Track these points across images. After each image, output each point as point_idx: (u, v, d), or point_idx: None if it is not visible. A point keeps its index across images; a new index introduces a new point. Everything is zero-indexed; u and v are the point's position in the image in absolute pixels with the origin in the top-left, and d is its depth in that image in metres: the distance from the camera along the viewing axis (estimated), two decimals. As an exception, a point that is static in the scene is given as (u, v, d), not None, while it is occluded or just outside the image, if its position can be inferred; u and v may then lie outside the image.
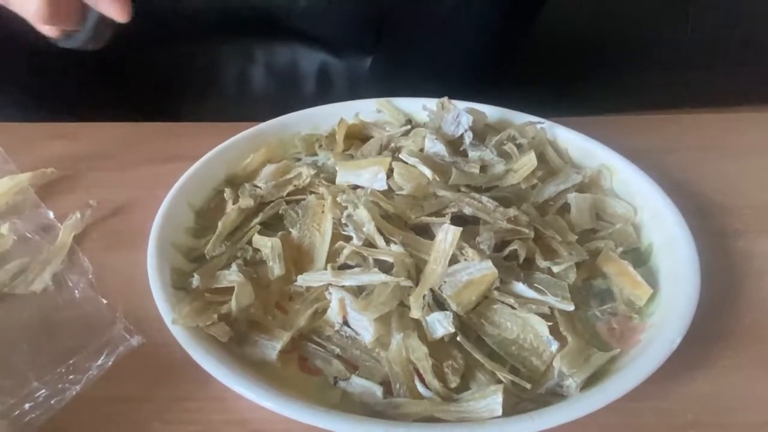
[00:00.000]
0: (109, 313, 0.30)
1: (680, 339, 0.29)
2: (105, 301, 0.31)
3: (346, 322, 0.31)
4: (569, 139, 0.44)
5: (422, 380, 0.28)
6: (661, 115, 0.52)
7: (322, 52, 0.68)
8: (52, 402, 0.25)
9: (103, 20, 0.33)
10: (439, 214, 0.35)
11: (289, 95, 0.68)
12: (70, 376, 0.26)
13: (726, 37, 0.69)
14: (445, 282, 0.31)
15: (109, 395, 0.29)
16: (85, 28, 0.34)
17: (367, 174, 0.38)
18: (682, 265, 0.34)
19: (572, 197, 0.39)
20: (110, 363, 0.27)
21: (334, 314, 0.31)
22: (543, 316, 0.31)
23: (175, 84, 0.66)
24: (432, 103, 0.46)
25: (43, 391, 0.25)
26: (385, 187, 0.37)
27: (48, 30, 0.33)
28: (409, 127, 0.44)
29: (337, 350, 0.31)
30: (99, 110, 0.53)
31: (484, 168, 0.40)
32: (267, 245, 0.35)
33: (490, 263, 0.31)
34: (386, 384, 0.29)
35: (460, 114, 0.43)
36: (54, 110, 0.55)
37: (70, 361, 0.26)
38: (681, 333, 0.30)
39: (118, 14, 0.31)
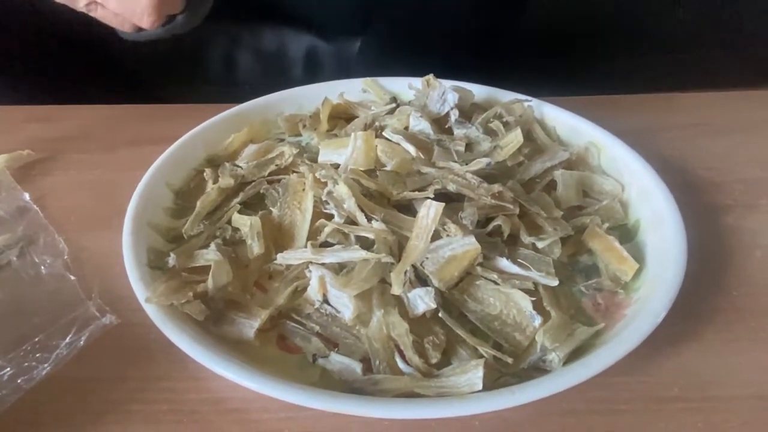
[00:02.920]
0: (80, 291, 0.29)
1: (665, 313, 0.29)
2: (73, 277, 0.30)
3: (326, 300, 0.31)
4: (557, 118, 0.44)
5: (403, 356, 0.28)
6: (649, 95, 0.51)
7: (310, 35, 0.66)
8: (19, 381, 0.25)
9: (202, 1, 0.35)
10: (422, 190, 0.34)
11: (276, 79, 0.66)
12: (37, 354, 0.25)
13: (715, 20, 0.68)
14: (427, 258, 0.31)
15: (82, 376, 0.29)
16: (187, 14, 0.35)
17: (349, 150, 0.37)
18: (669, 241, 0.33)
19: (559, 174, 0.38)
20: (81, 342, 0.27)
21: (314, 292, 0.31)
22: (527, 291, 0.30)
23: (160, 68, 0.65)
24: (418, 82, 0.45)
25: (8, 369, 0.25)
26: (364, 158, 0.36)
27: (152, 21, 0.33)
28: (393, 105, 0.43)
29: (317, 328, 0.30)
30: (81, 94, 0.52)
31: (469, 146, 0.39)
32: (246, 224, 0.34)
33: (473, 238, 0.31)
34: (366, 361, 0.28)
35: (446, 91, 0.42)
36: (35, 94, 0.54)
37: (36, 339, 0.26)
38: (666, 307, 0.29)
39: None
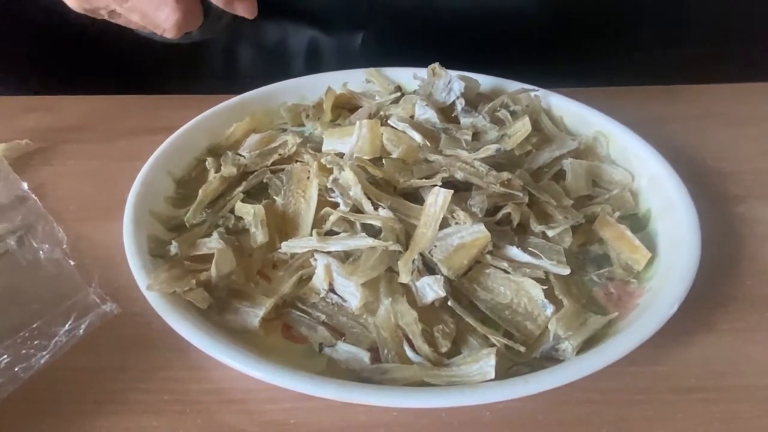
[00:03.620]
0: (79, 278, 0.29)
1: (679, 303, 0.28)
2: (72, 263, 0.29)
3: (332, 289, 0.30)
4: (564, 107, 0.43)
5: (411, 345, 0.27)
6: (658, 87, 0.50)
7: (312, 28, 0.66)
8: (17, 369, 0.24)
9: (220, 17, 0.36)
10: (429, 178, 0.33)
11: (277, 72, 0.65)
12: (36, 342, 0.25)
13: (724, 13, 0.67)
14: (435, 246, 0.30)
15: (83, 366, 0.28)
16: (204, 26, 0.36)
17: (354, 138, 0.36)
18: (681, 230, 0.32)
19: (568, 163, 0.37)
20: (81, 331, 0.26)
21: (319, 281, 0.30)
22: (538, 280, 0.29)
23: (161, 60, 0.64)
24: (423, 72, 0.44)
25: (5, 357, 0.24)
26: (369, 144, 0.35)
27: (173, 36, 0.35)
28: (398, 94, 0.43)
29: (323, 317, 0.29)
30: (81, 85, 0.52)
31: (476, 135, 0.39)
32: (249, 212, 0.33)
33: (482, 226, 0.30)
34: (373, 350, 0.27)
35: (451, 80, 0.41)
36: (33, 84, 0.53)
37: (34, 325, 0.25)
38: (680, 297, 0.28)
39: (248, 12, 0.34)
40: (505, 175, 0.33)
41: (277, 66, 0.66)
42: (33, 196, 0.37)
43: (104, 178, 0.40)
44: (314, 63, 0.66)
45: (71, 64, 0.57)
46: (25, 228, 0.33)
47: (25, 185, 0.38)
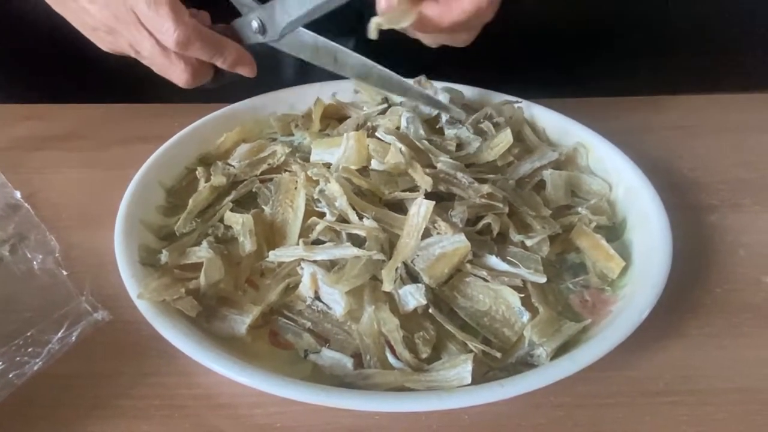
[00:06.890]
0: (72, 287, 0.29)
1: (650, 309, 0.29)
2: (65, 272, 0.30)
3: (317, 297, 0.31)
4: (546, 119, 0.44)
5: (393, 352, 0.28)
6: (636, 97, 0.52)
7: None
8: (11, 376, 0.25)
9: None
10: (413, 190, 0.35)
11: (268, 80, 0.66)
12: (29, 349, 0.25)
13: (705, 24, 0.69)
14: (417, 255, 0.31)
15: (74, 372, 0.29)
16: (215, 79, 0.42)
17: (341, 150, 0.37)
18: (654, 239, 0.34)
19: (548, 174, 0.39)
20: (74, 338, 0.27)
21: (305, 289, 0.31)
22: (516, 288, 0.31)
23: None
24: (409, 83, 0.45)
25: (0, 364, 0.25)
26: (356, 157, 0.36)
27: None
28: (385, 105, 0.44)
29: (309, 324, 0.30)
30: (71, 93, 0.52)
31: (460, 146, 0.40)
32: (238, 221, 0.34)
33: (462, 236, 0.31)
34: (357, 356, 0.28)
35: (437, 92, 0.43)
36: (24, 93, 0.54)
37: (28, 334, 0.26)
38: (651, 304, 0.30)
39: (249, 73, 0.42)
40: (486, 188, 0.34)
41: (267, 72, 0.67)
42: (26, 204, 0.38)
43: (96, 187, 0.41)
44: (303, 70, 0.67)
45: (63, 73, 0.57)
46: (18, 237, 0.34)
47: (17, 194, 0.39)
